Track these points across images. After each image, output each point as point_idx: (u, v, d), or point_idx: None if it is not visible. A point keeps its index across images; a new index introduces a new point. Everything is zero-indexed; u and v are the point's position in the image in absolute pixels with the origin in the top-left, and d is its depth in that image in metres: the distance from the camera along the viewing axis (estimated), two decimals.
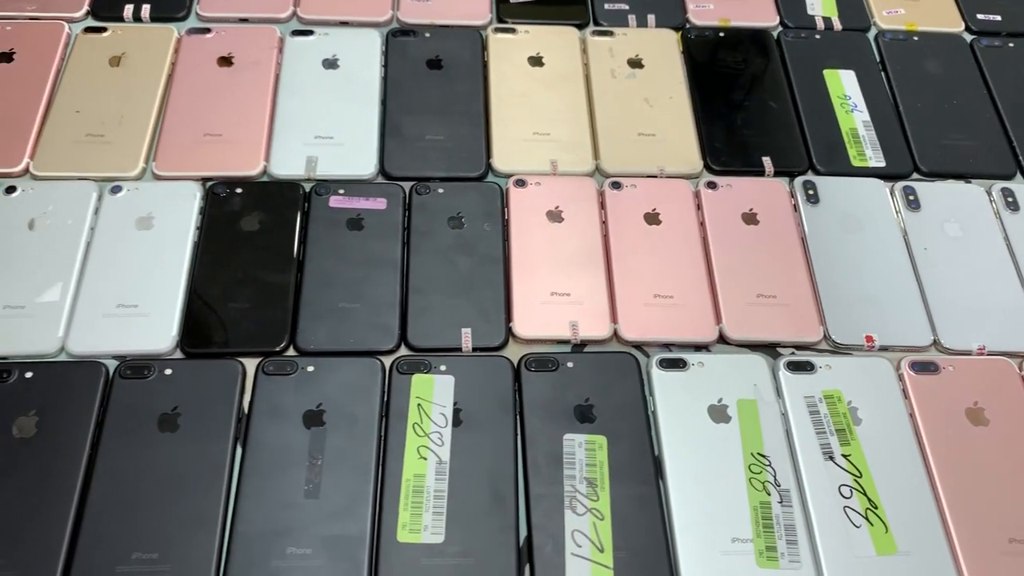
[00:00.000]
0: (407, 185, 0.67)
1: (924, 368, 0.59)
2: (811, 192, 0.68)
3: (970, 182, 0.70)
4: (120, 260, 0.61)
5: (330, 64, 0.73)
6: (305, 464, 0.54)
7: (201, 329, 0.59)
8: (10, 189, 0.64)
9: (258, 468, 0.53)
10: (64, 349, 0.58)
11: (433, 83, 0.73)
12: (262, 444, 0.54)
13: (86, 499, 0.52)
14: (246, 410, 0.56)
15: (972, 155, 0.71)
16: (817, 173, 0.70)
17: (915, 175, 0.71)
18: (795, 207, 0.68)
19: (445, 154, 0.69)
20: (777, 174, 0.70)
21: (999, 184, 0.69)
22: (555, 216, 0.65)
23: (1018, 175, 0.71)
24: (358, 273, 0.62)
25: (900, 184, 0.69)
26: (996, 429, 0.57)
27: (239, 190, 0.65)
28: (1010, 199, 0.68)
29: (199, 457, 0.53)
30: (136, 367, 0.56)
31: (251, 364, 0.58)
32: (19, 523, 0.51)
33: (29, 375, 0.56)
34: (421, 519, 0.52)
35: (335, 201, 0.65)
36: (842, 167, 0.70)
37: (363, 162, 0.68)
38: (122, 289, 0.60)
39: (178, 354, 0.58)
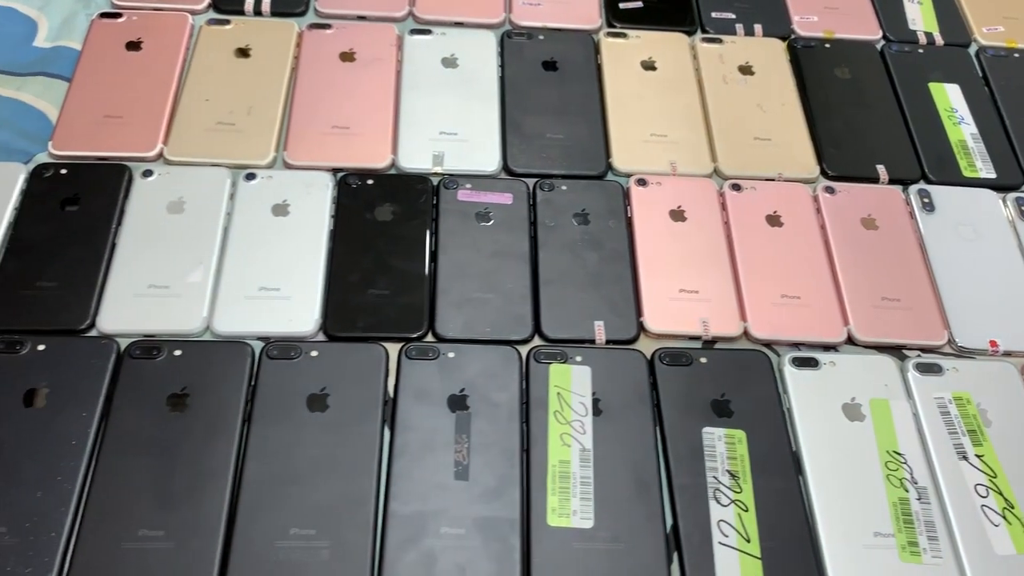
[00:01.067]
0: (530, 181, 0.68)
1: None
2: (926, 200, 0.69)
3: None
4: (259, 244, 0.62)
5: (449, 63, 0.75)
6: (452, 447, 0.55)
7: (343, 313, 0.60)
8: (147, 173, 0.65)
9: (407, 449, 0.54)
10: (209, 329, 0.59)
11: (549, 84, 0.74)
12: (409, 426, 0.55)
13: (242, 475, 0.53)
14: (391, 393, 0.57)
15: None
16: (928, 182, 0.71)
17: None
18: (911, 214, 0.69)
19: (565, 152, 0.70)
20: (890, 182, 0.71)
21: None
22: (678, 215, 0.67)
23: None
24: (489, 264, 0.63)
25: (1012, 195, 0.70)
26: None
27: (370, 181, 0.66)
28: None
29: (349, 437, 0.54)
30: (283, 348, 0.57)
31: (391, 349, 0.59)
32: (177, 496, 0.52)
33: (178, 353, 0.57)
34: (569, 504, 0.53)
35: (463, 195, 0.67)
36: (953, 177, 0.72)
37: (487, 158, 0.69)
38: (263, 272, 0.61)
39: (320, 337, 0.59)
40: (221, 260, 0.61)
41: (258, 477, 0.53)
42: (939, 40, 0.81)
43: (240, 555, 0.50)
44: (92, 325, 0.58)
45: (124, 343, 0.58)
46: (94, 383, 0.55)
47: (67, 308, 0.59)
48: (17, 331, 0.58)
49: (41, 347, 0.57)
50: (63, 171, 0.65)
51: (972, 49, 0.81)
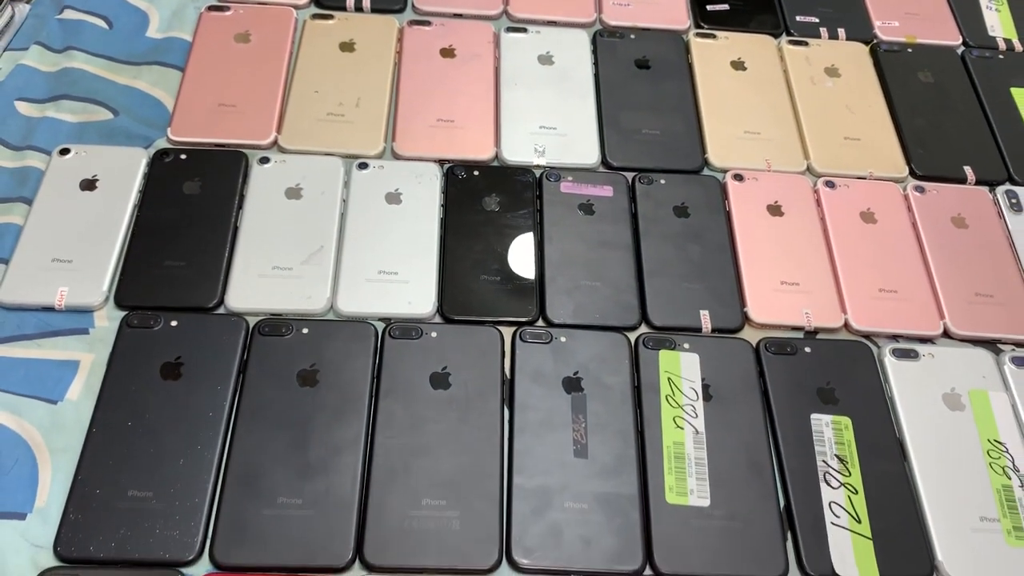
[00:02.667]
0: (629, 175, 0.70)
1: None
2: (1014, 201, 0.71)
3: None
4: (375, 230, 0.65)
5: (545, 60, 0.77)
6: (570, 426, 0.57)
7: (458, 297, 0.62)
8: (264, 160, 0.68)
9: (527, 427, 0.57)
10: (333, 309, 0.61)
11: (643, 82, 0.77)
12: (527, 405, 0.57)
13: (373, 447, 0.55)
14: (507, 374, 0.59)
15: None
16: (1014, 183, 0.73)
17: None
18: (999, 214, 0.70)
19: (662, 148, 0.72)
20: (977, 183, 0.73)
21: None
22: (775, 210, 0.69)
23: None
24: (595, 254, 0.65)
25: None
26: None
27: (475, 172, 0.69)
28: None
29: (472, 414, 0.56)
30: (404, 329, 0.60)
31: (504, 332, 0.61)
32: (312, 466, 0.54)
33: (305, 331, 0.59)
34: (686, 483, 0.55)
35: (565, 187, 0.69)
36: None
37: (586, 152, 0.71)
38: (381, 257, 0.63)
39: (437, 319, 0.62)
40: (340, 244, 0.64)
41: (388, 449, 0.55)
42: (1018, 46, 0.83)
43: (376, 523, 0.52)
44: (220, 303, 0.61)
45: (252, 321, 0.60)
46: (227, 358, 0.58)
47: (196, 286, 0.61)
48: (148, 307, 0.60)
49: (174, 323, 0.59)
50: (183, 156, 0.68)
51: None
